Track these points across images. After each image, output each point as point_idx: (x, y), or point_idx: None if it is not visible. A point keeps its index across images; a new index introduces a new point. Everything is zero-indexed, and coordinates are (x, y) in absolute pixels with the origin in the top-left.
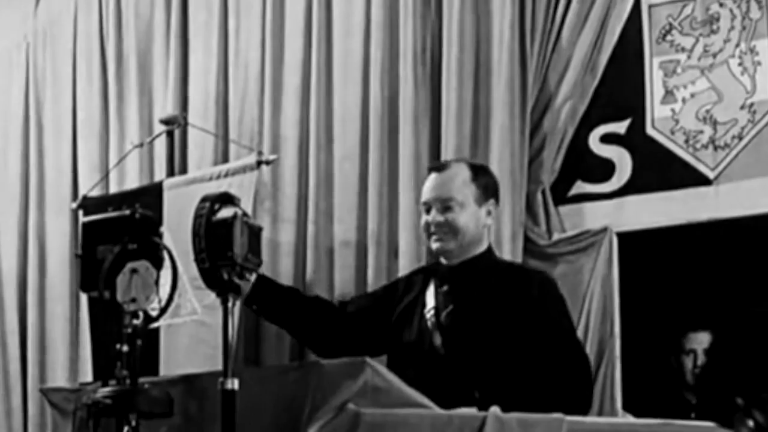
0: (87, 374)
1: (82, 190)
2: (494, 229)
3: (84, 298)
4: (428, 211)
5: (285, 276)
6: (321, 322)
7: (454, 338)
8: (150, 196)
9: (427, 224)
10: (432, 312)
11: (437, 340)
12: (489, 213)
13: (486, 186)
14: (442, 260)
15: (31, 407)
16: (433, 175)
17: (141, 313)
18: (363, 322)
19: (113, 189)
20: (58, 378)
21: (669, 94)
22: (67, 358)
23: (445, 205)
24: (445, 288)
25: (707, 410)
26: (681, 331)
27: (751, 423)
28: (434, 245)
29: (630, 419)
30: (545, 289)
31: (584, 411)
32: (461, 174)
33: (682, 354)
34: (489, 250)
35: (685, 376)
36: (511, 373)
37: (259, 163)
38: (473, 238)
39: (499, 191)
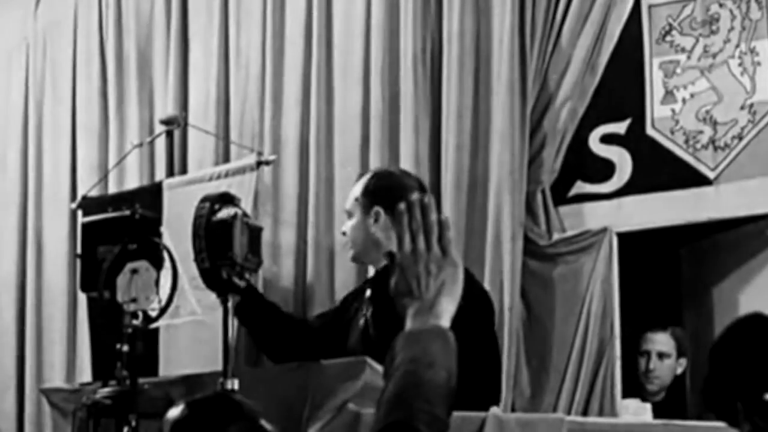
0: (84, 374)
1: (82, 191)
2: (494, 230)
3: (82, 298)
4: None
5: (286, 277)
6: (291, 340)
7: (370, 342)
8: (150, 196)
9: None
10: (363, 318)
11: (360, 344)
12: (376, 220)
13: (372, 193)
14: None
15: (28, 407)
16: None
17: (141, 313)
18: (324, 337)
19: (113, 189)
20: (56, 378)
21: (669, 95)
22: (65, 359)
23: (347, 215)
24: (368, 293)
25: (715, 412)
26: (640, 331)
27: (749, 427)
28: None
29: (629, 419)
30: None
31: None
32: (360, 185)
33: (638, 355)
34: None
35: (639, 378)
36: None
37: (258, 164)
38: (366, 246)
39: (389, 195)
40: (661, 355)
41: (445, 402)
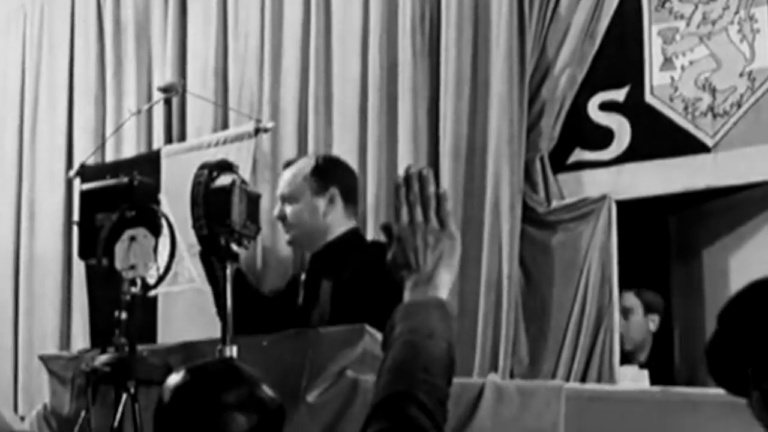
0: (77, 342)
1: (78, 157)
2: (492, 197)
3: (76, 266)
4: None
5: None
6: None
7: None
8: (148, 163)
9: (277, 218)
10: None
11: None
12: (331, 201)
13: (325, 176)
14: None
15: (21, 375)
16: (283, 172)
17: (139, 281)
18: (264, 311)
19: (110, 157)
20: (49, 346)
21: (668, 62)
22: (58, 327)
23: (283, 199)
24: (303, 278)
25: (721, 378)
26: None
27: (758, 394)
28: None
29: (627, 385)
30: (356, 276)
31: None
32: (303, 169)
33: None
34: (343, 236)
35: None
36: None
37: (257, 131)
38: (313, 228)
39: (344, 179)
40: (625, 312)
41: (445, 372)
